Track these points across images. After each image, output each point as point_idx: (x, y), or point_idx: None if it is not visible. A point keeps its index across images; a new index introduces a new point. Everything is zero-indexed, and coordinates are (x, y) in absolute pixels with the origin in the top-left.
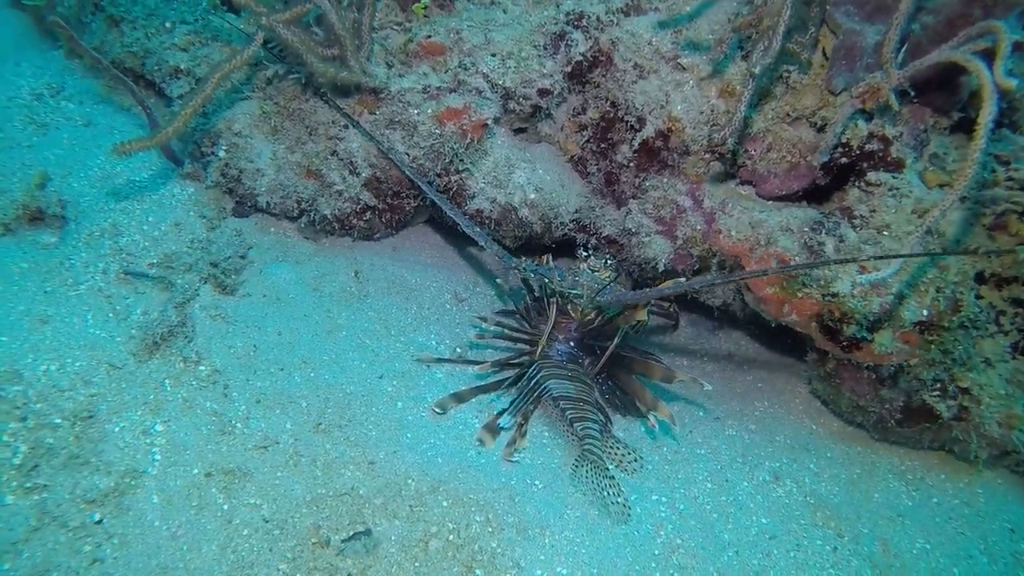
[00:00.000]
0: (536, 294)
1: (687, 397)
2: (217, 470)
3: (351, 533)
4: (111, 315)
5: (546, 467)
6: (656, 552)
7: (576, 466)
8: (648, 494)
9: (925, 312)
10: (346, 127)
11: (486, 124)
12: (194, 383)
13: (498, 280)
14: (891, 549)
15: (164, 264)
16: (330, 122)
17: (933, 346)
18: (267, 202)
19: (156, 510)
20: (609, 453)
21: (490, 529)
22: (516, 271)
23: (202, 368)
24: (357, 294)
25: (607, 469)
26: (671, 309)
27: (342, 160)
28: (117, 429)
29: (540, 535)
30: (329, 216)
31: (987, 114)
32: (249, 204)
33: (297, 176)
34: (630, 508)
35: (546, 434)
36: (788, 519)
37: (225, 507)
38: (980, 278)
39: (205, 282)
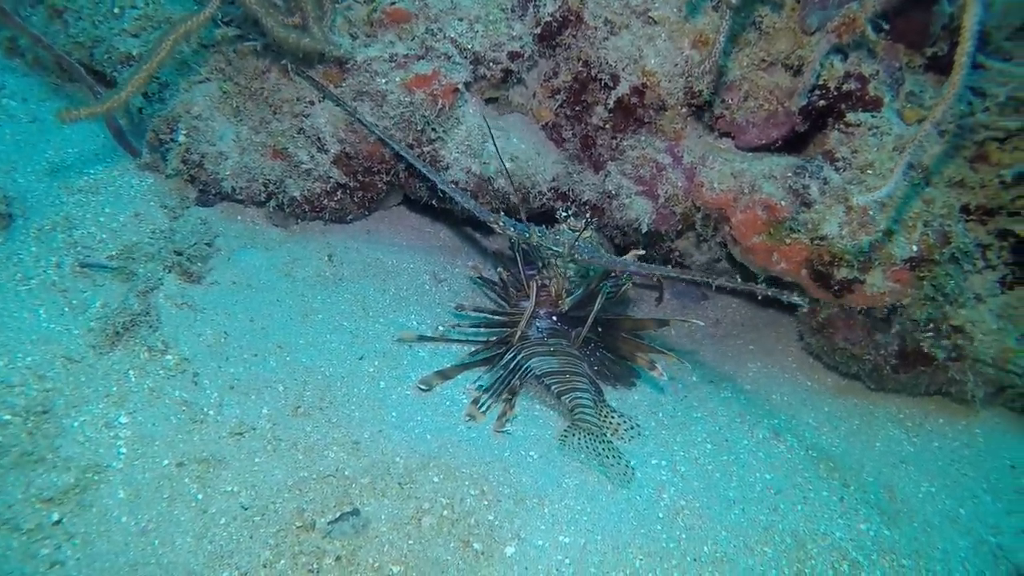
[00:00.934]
0: (511, 271)
1: (679, 365)
2: (189, 459)
3: (338, 514)
4: (67, 309)
5: (540, 438)
6: (660, 515)
7: (565, 436)
8: (647, 459)
9: (915, 247)
10: (312, 103)
11: (457, 89)
12: (161, 372)
13: (470, 266)
14: (897, 495)
15: (124, 255)
16: (295, 99)
17: (925, 282)
18: (232, 187)
19: (123, 505)
20: (604, 422)
21: (485, 502)
22: (497, 227)
23: (169, 357)
24: (332, 278)
25: (604, 435)
26: (656, 280)
27: (309, 137)
28: (76, 424)
29: (539, 505)
30: (299, 198)
31: (971, 17)
32: (214, 191)
33: (263, 157)
34: (633, 471)
35: (538, 407)
36: (792, 473)
37: (200, 497)
38: (965, 211)
39: (169, 271)
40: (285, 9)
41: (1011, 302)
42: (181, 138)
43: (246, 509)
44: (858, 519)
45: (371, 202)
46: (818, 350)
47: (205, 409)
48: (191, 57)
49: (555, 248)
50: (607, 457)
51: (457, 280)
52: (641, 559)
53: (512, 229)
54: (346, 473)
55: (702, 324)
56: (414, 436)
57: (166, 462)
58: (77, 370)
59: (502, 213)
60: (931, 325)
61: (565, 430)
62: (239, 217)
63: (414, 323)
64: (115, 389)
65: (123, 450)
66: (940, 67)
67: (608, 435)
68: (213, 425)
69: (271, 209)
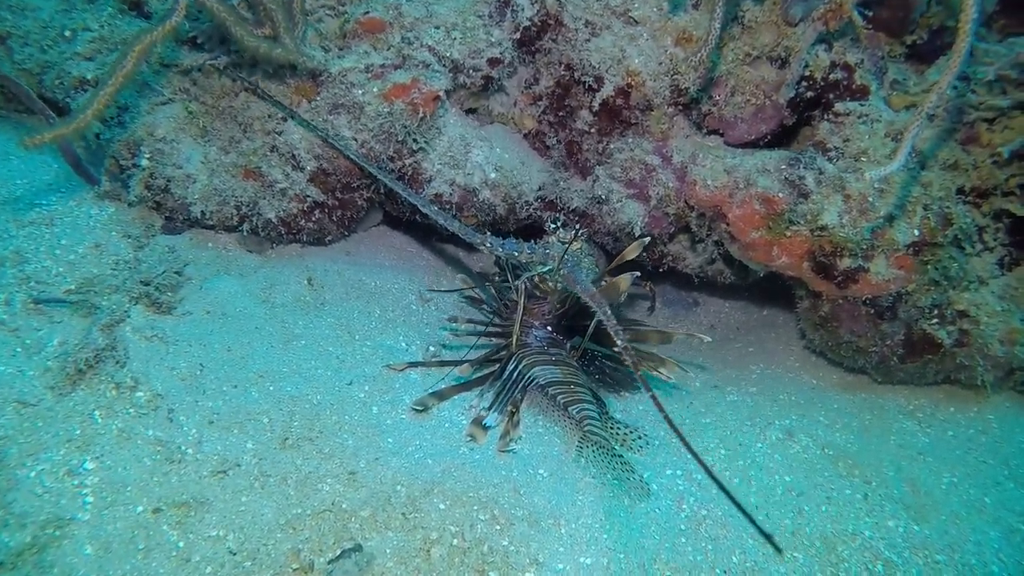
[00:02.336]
0: (501, 280)
1: (680, 373)
2: (167, 504)
3: (338, 552)
4: (19, 349)
5: (548, 456)
6: (683, 527)
7: (580, 448)
8: (661, 469)
9: (916, 232)
10: (285, 119)
11: (438, 97)
12: (131, 411)
13: (459, 278)
14: (920, 488)
15: (84, 289)
16: (266, 116)
17: (929, 266)
18: (202, 211)
19: (91, 562)
20: (611, 434)
21: (498, 527)
22: (484, 248)
23: (140, 394)
24: (313, 302)
25: (613, 448)
26: (648, 288)
27: (283, 155)
28: (33, 474)
29: (554, 526)
30: (274, 220)
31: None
32: (182, 218)
33: (234, 178)
34: (648, 484)
35: (540, 423)
36: (811, 473)
37: (181, 544)
38: (960, 193)
39: (136, 302)
40: (254, 21)
41: (1012, 283)
42: (144, 162)
43: (234, 554)
44: (885, 516)
45: (351, 221)
46: (822, 346)
47: (183, 447)
48: (152, 78)
49: (544, 266)
50: (620, 470)
51: (444, 299)
52: (669, 574)
53: (500, 249)
54: (344, 506)
55: (708, 340)
56: (414, 462)
57: (140, 509)
58: (33, 414)
59: (488, 233)
60: (936, 311)
61: (579, 442)
62: (210, 244)
63: (403, 344)
64: (78, 432)
65: (89, 499)
66: (920, 55)
67: (617, 447)
68: (192, 464)
69: (245, 234)
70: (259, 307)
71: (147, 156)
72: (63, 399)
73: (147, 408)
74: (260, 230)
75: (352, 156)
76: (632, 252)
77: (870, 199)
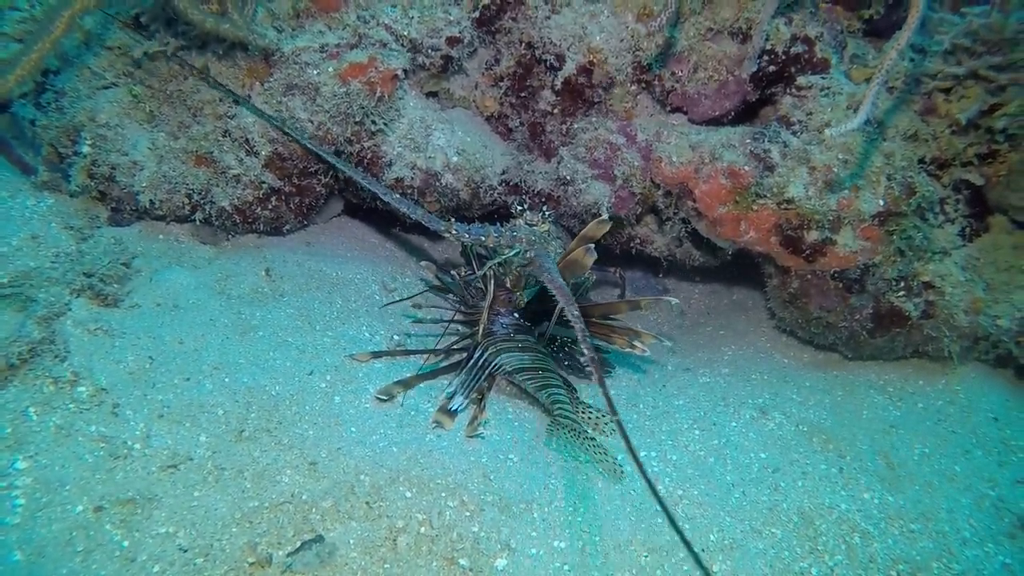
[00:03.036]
0: (468, 272)
1: (653, 355)
2: (110, 502)
3: (298, 544)
4: None
5: (518, 441)
6: (658, 507)
7: (550, 432)
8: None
9: (881, 202)
10: (237, 102)
11: (396, 76)
12: (71, 406)
13: (423, 265)
14: (893, 460)
15: (18, 282)
16: (217, 99)
17: (895, 236)
18: (151, 200)
19: (19, 569)
20: (582, 418)
21: (467, 513)
22: (450, 235)
23: (82, 388)
24: (271, 293)
25: (585, 432)
26: (617, 274)
27: (236, 140)
28: None
29: (526, 510)
30: (228, 208)
31: None
32: (129, 208)
33: (184, 165)
34: (621, 466)
35: (510, 410)
36: (786, 450)
37: (125, 544)
38: (921, 163)
39: (78, 295)
40: None
41: (973, 253)
42: (86, 149)
43: (185, 551)
44: (860, 488)
45: (309, 209)
46: (792, 324)
47: (128, 443)
48: (92, 60)
49: (512, 249)
50: (594, 453)
51: (408, 289)
52: (646, 555)
53: (467, 235)
54: (304, 498)
55: (676, 301)
56: (378, 450)
57: (79, 508)
58: None
59: (453, 220)
60: (902, 283)
61: (548, 427)
62: (160, 235)
63: (366, 334)
64: (8, 431)
65: (20, 502)
66: (878, 31)
67: (589, 431)
68: (140, 460)
69: (197, 224)
70: (214, 299)
71: (89, 143)
72: None
73: (89, 403)
74: (214, 219)
75: (307, 144)
76: (594, 231)
77: (835, 170)
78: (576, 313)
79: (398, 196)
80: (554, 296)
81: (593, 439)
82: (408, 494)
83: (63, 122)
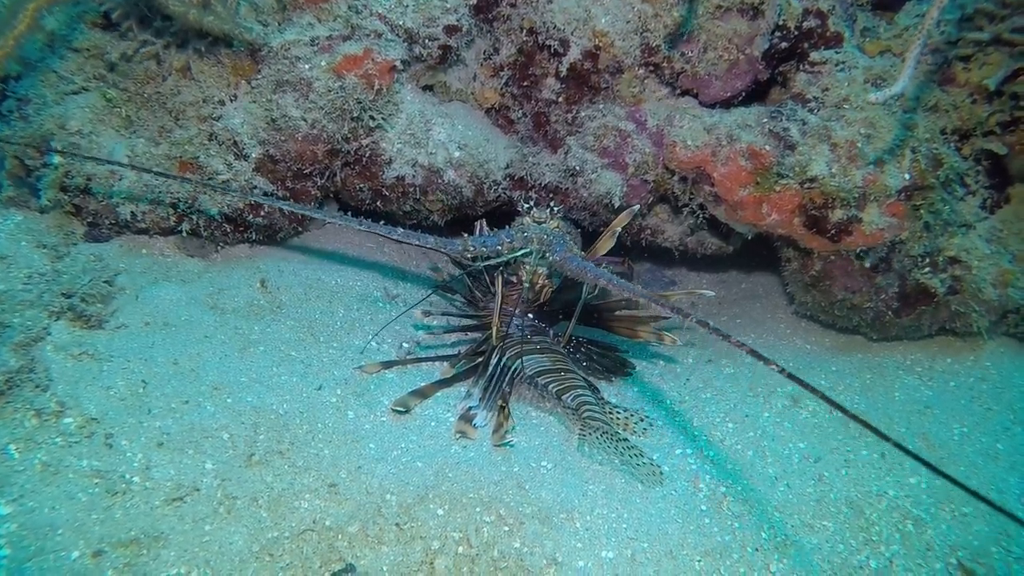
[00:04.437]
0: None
1: (669, 353)
2: (110, 544)
3: None
4: None
5: (548, 447)
6: (703, 507)
7: (582, 437)
8: (670, 450)
9: (907, 176)
10: (222, 102)
11: (394, 67)
12: (58, 440)
13: (428, 269)
14: (933, 441)
15: None
16: (200, 100)
17: (921, 211)
18: (132, 212)
19: None
20: (611, 419)
21: (506, 527)
22: (467, 254)
23: (69, 419)
24: (268, 306)
25: (617, 433)
26: (626, 265)
27: (223, 143)
28: None
29: (568, 520)
30: (217, 216)
31: None
32: (108, 222)
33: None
34: (659, 465)
35: (533, 414)
36: (825, 438)
37: None
38: (942, 134)
39: (57, 318)
40: None
41: (996, 225)
42: (56, 159)
43: None
44: (905, 473)
45: (304, 215)
46: (814, 308)
47: (127, 476)
48: (57, 64)
49: (525, 251)
50: (629, 455)
51: (412, 293)
52: (700, 560)
53: (484, 248)
54: (327, 523)
55: (712, 294)
56: (402, 466)
57: (76, 555)
58: None
59: (466, 237)
60: (927, 259)
61: (581, 431)
62: (144, 250)
63: (373, 344)
64: None
65: (5, 552)
66: (885, 4)
67: (620, 432)
68: (141, 494)
69: (184, 235)
70: (207, 315)
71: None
72: None
73: (79, 435)
74: (202, 230)
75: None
76: (622, 223)
77: (858, 145)
78: (623, 283)
79: (401, 230)
80: (583, 280)
81: (626, 440)
82: (440, 512)
83: (29, 132)
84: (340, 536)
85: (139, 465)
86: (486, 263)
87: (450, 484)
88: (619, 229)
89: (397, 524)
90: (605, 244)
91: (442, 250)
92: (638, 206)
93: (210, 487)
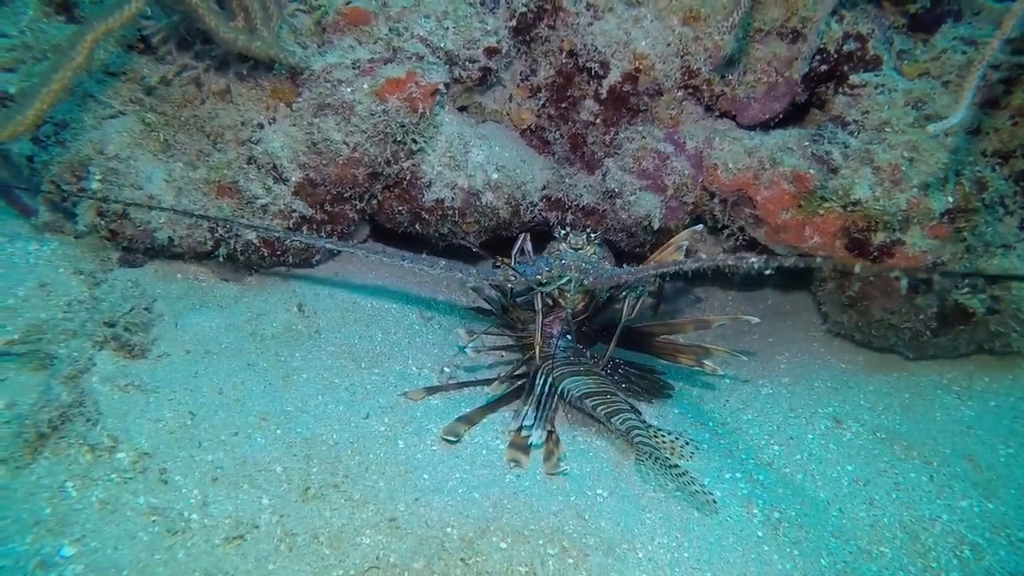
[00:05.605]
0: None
1: (703, 373)
2: None
3: None
4: None
5: (600, 473)
6: (760, 533)
7: (639, 462)
8: (719, 474)
9: (951, 199)
10: (261, 125)
11: (437, 90)
12: (113, 477)
13: (470, 285)
14: (980, 463)
15: (32, 337)
16: (239, 123)
17: (965, 233)
18: (169, 237)
19: None
20: (658, 443)
21: (571, 560)
22: (509, 283)
23: (122, 455)
24: (307, 331)
25: (668, 459)
26: (656, 284)
27: (262, 166)
28: None
29: (631, 550)
30: (255, 241)
31: None
32: (143, 247)
33: (206, 196)
34: (712, 492)
35: (580, 438)
36: (872, 460)
37: None
38: (983, 156)
39: (101, 347)
40: (226, 14)
41: None
42: (95, 185)
43: None
44: (956, 496)
45: (341, 236)
46: (850, 327)
47: (185, 513)
48: (95, 87)
49: (565, 279)
50: (682, 481)
51: (446, 316)
52: None
53: (526, 277)
54: (391, 560)
55: (757, 320)
56: (459, 498)
57: None
58: None
59: (508, 267)
60: (967, 280)
61: (637, 456)
62: (178, 275)
63: (413, 369)
64: (48, 512)
65: None
66: (920, 24)
67: (672, 458)
68: (200, 532)
69: (221, 259)
70: (247, 341)
71: (98, 178)
72: (21, 473)
73: (133, 471)
74: (239, 254)
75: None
76: (681, 239)
77: (902, 168)
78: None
79: (448, 263)
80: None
81: (677, 466)
82: (503, 545)
83: (66, 157)
84: (406, 573)
85: (196, 502)
86: (528, 294)
87: (510, 516)
88: (685, 243)
89: (462, 559)
90: (670, 256)
91: (488, 282)
92: (701, 226)
93: (269, 523)
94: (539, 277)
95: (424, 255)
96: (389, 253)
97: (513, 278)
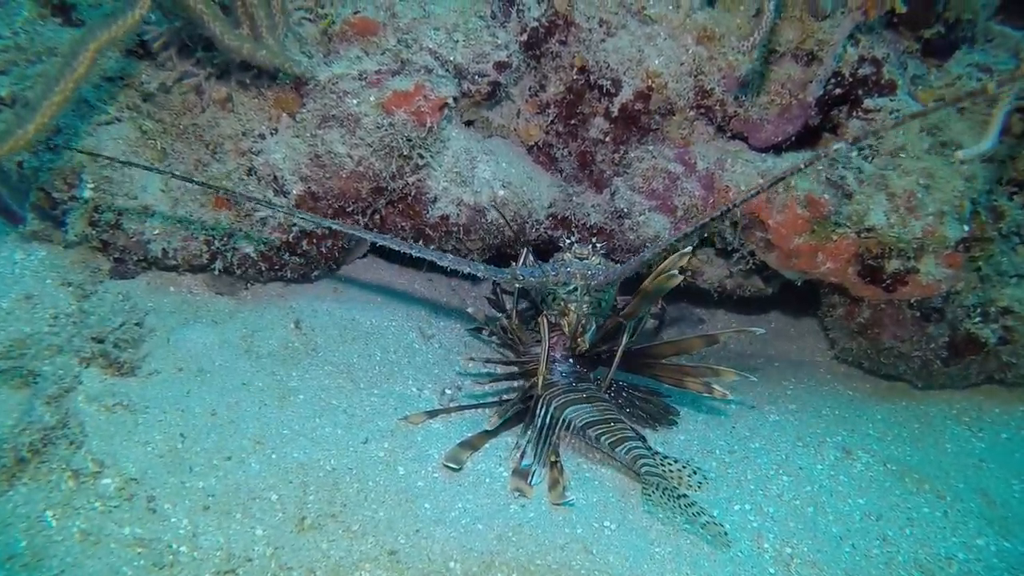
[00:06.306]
0: (514, 309)
1: (710, 398)
2: None
3: None
4: None
5: (607, 504)
6: (771, 570)
7: (646, 494)
8: (728, 505)
9: (966, 227)
10: (263, 136)
11: (446, 104)
12: (97, 505)
13: (469, 310)
14: (994, 499)
15: (15, 352)
16: (239, 133)
17: (980, 262)
18: (163, 249)
19: None
20: (665, 472)
21: None
22: (515, 284)
23: (107, 480)
24: (304, 349)
25: (676, 489)
26: (659, 305)
27: (263, 178)
28: None
29: None
30: (253, 254)
31: None
32: (136, 258)
33: (203, 208)
34: (722, 524)
35: (585, 468)
36: (883, 493)
37: None
38: (998, 184)
39: (88, 364)
40: (231, 20)
41: None
42: (87, 193)
43: None
44: (971, 533)
45: (341, 252)
46: (859, 355)
47: (173, 545)
48: (90, 93)
49: (568, 284)
50: (691, 513)
51: (446, 334)
52: None
53: (532, 279)
54: None
55: (762, 331)
56: (462, 529)
57: None
58: None
59: (515, 267)
60: (979, 309)
61: (644, 487)
62: (171, 288)
63: (413, 390)
64: (23, 545)
65: None
66: (934, 50)
67: (680, 488)
68: (190, 566)
69: (216, 273)
70: (242, 359)
71: (91, 186)
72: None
73: (118, 498)
74: (235, 268)
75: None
76: (672, 264)
77: (918, 195)
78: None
79: (455, 258)
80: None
81: (685, 496)
82: None
83: (58, 163)
84: None
85: (185, 532)
86: (536, 294)
87: (515, 550)
88: (677, 275)
89: None
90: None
91: (491, 277)
92: (690, 248)
93: (263, 556)
94: (544, 279)
95: (432, 247)
96: (397, 242)
97: (520, 277)
